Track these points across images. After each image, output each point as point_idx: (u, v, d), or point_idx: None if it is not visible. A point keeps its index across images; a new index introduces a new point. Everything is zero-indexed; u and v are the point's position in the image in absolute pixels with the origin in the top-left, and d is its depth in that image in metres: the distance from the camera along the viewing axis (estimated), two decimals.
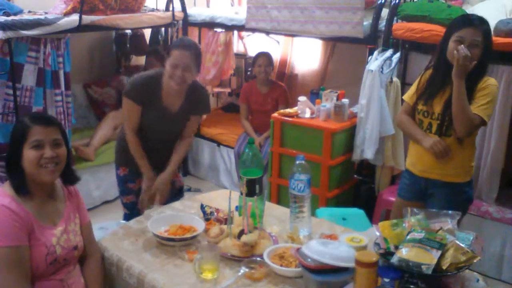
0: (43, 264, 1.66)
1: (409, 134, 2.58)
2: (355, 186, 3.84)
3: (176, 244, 1.88)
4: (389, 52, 3.44)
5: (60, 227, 1.75)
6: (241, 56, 5.56)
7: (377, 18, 3.58)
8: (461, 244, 1.54)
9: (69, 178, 1.86)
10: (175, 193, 2.88)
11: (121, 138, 2.78)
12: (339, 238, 1.85)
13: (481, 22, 2.33)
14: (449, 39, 2.34)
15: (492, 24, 3.10)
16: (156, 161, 2.73)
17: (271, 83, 4.38)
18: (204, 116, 5.05)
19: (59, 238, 1.72)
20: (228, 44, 4.85)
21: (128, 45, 5.11)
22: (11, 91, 3.48)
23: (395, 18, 3.53)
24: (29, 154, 1.68)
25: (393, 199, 3.44)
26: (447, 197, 2.44)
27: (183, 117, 2.71)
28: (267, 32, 4.46)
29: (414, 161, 2.56)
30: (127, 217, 2.73)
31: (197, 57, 2.58)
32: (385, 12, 3.59)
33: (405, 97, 2.62)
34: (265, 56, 4.33)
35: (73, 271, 1.79)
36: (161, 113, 2.63)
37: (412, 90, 2.57)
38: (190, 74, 2.54)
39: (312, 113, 3.68)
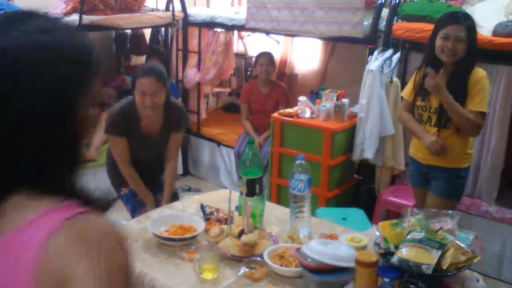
0: None
1: (409, 130, 2.77)
2: (355, 186, 3.84)
3: (176, 244, 1.88)
4: (389, 52, 3.44)
5: None
6: (241, 56, 5.56)
7: (377, 18, 3.58)
8: (461, 244, 1.54)
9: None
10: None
11: (110, 165, 2.85)
12: (339, 238, 1.85)
13: (465, 18, 2.51)
14: (436, 36, 2.52)
15: (492, 24, 3.11)
16: (145, 177, 2.80)
17: (272, 83, 4.38)
18: (204, 116, 5.05)
19: None
20: (228, 44, 4.85)
21: (128, 45, 5.11)
22: None
23: (395, 18, 3.53)
24: None
25: (393, 199, 3.45)
26: (446, 180, 2.63)
27: (166, 138, 2.78)
28: (267, 32, 4.46)
29: (416, 150, 2.72)
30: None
31: (162, 79, 2.63)
32: (385, 12, 3.59)
33: (403, 94, 2.79)
34: (266, 56, 4.33)
35: None
36: (144, 141, 2.71)
37: (409, 87, 2.73)
38: (159, 97, 2.60)
39: (312, 113, 3.68)
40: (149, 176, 2.83)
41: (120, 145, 2.69)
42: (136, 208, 2.83)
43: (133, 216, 2.80)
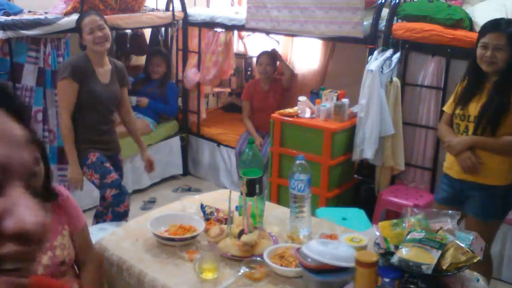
0: None
1: (444, 139, 2.65)
2: (355, 186, 3.84)
3: (176, 244, 1.88)
4: (389, 52, 3.44)
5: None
6: (241, 56, 5.56)
7: (377, 18, 3.58)
8: (461, 244, 1.54)
9: (48, 195, 1.75)
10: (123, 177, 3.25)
11: (78, 132, 2.94)
12: (339, 238, 1.85)
13: (507, 26, 2.39)
14: (477, 45, 2.45)
15: None
16: (106, 143, 3.02)
17: (272, 80, 4.43)
18: (204, 116, 5.05)
19: (41, 258, 1.60)
20: (228, 44, 4.85)
21: (128, 45, 5.11)
22: None
23: (395, 18, 3.53)
24: None
25: (393, 199, 3.45)
26: (482, 199, 2.48)
27: (116, 87, 3.00)
28: (267, 32, 4.46)
29: (450, 164, 2.60)
30: (117, 198, 2.91)
31: (102, 16, 2.93)
32: (385, 12, 3.59)
33: (445, 108, 2.71)
34: (266, 55, 4.36)
35: (64, 280, 1.68)
36: (100, 86, 2.90)
37: (450, 100, 2.67)
38: (106, 30, 2.86)
39: (312, 113, 3.68)
40: (109, 135, 3.04)
41: (70, 91, 2.84)
42: (107, 173, 2.93)
43: (101, 186, 2.92)
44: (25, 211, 0.50)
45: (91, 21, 2.83)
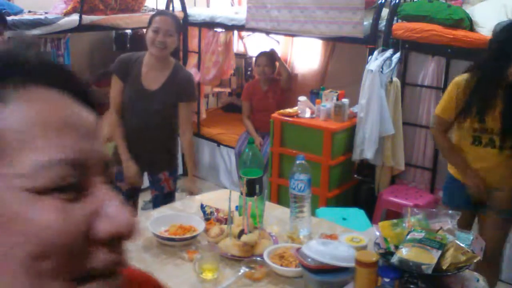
0: None
1: (450, 162, 2.60)
2: (355, 186, 3.84)
3: (176, 244, 1.88)
4: (389, 52, 3.44)
5: None
6: (241, 56, 5.56)
7: (377, 18, 3.58)
8: (461, 244, 1.54)
9: None
10: (162, 198, 2.78)
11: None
12: (339, 238, 1.85)
13: None
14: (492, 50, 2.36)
15: (492, 24, 3.10)
16: (138, 149, 2.66)
17: (271, 80, 4.43)
18: (204, 116, 5.05)
19: None
20: (228, 44, 4.85)
21: (128, 45, 5.11)
22: None
23: (395, 18, 3.53)
24: None
25: (393, 199, 3.45)
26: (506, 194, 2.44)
27: (163, 98, 2.61)
28: (267, 32, 4.46)
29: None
30: None
31: (178, 24, 2.62)
32: (385, 12, 3.59)
33: (440, 112, 2.51)
34: (264, 56, 4.36)
35: None
36: (139, 90, 2.59)
37: (447, 104, 2.47)
38: (172, 39, 2.55)
39: (312, 113, 3.68)
40: (137, 144, 2.66)
41: (116, 88, 2.63)
42: (118, 178, 2.67)
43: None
44: (116, 210, 0.44)
45: (162, 22, 2.53)
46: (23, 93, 0.44)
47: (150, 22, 2.58)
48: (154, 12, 2.72)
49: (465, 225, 2.53)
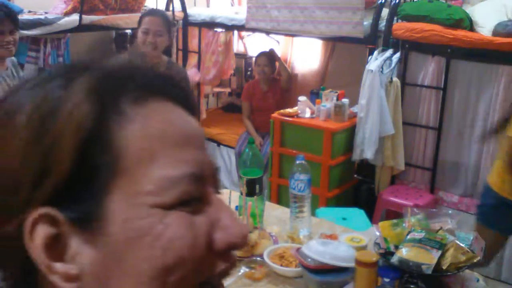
0: None
1: None
2: (355, 186, 3.84)
3: None
4: (389, 52, 3.44)
5: None
6: (241, 56, 5.56)
7: (377, 18, 3.58)
8: (461, 244, 1.54)
9: None
10: None
11: None
12: (339, 238, 1.85)
13: None
14: None
15: (492, 24, 3.11)
16: None
17: (271, 80, 4.43)
18: (204, 116, 5.05)
19: None
20: (228, 44, 4.85)
21: (128, 45, 5.11)
22: None
23: (395, 18, 3.53)
24: None
25: (393, 199, 3.45)
26: None
27: None
28: (267, 32, 4.46)
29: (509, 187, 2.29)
30: None
31: (168, 22, 2.62)
32: (385, 12, 3.59)
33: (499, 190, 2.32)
34: (264, 56, 4.36)
35: None
36: None
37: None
38: (162, 39, 2.56)
39: (312, 113, 3.68)
40: None
41: None
42: None
43: None
44: (231, 221, 0.45)
45: (151, 22, 2.56)
46: (143, 107, 0.43)
47: (140, 23, 2.61)
48: (143, 12, 2.70)
49: (497, 247, 2.41)
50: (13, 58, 2.79)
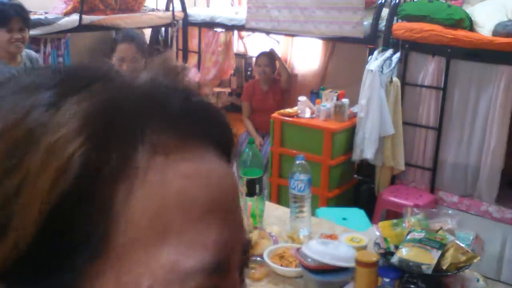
0: None
1: None
2: (355, 186, 3.84)
3: None
4: (389, 52, 3.44)
5: None
6: (241, 56, 5.56)
7: (377, 18, 3.58)
8: (461, 244, 1.54)
9: None
10: None
11: None
12: (339, 238, 1.85)
13: None
14: None
15: (492, 24, 3.11)
16: None
17: (271, 81, 4.43)
18: None
19: None
20: (228, 44, 4.85)
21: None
22: None
23: (395, 18, 3.53)
24: None
25: (393, 199, 3.45)
26: None
27: None
28: (267, 32, 4.46)
29: None
30: None
31: (142, 47, 2.65)
32: (385, 12, 3.59)
33: None
34: (265, 56, 4.36)
35: None
36: None
37: None
38: (138, 65, 2.56)
39: (312, 113, 3.68)
40: None
41: None
42: None
43: None
44: None
45: (126, 49, 2.59)
46: (162, 157, 0.30)
47: (114, 49, 2.62)
48: (117, 37, 2.70)
49: None
50: (30, 51, 2.92)
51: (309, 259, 1.57)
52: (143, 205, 0.29)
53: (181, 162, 0.31)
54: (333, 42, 4.70)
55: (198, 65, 4.86)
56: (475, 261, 1.52)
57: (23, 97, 0.30)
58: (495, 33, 3.04)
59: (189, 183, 0.31)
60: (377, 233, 1.72)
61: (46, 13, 3.81)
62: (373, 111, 3.41)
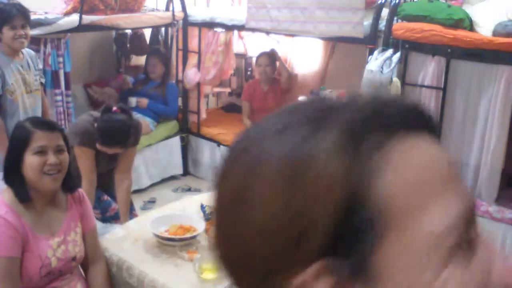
0: (36, 276, 1.62)
1: None
2: None
3: (176, 244, 1.88)
4: (389, 52, 3.44)
5: (58, 238, 1.70)
6: (241, 56, 5.56)
7: (377, 18, 3.58)
8: None
9: (68, 185, 1.79)
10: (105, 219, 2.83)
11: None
12: None
13: None
14: None
15: (492, 24, 3.11)
16: (103, 188, 2.78)
17: (272, 80, 4.43)
18: (204, 116, 5.05)
19: (55, 250, 1.67)
20: (228, 44, 4.85)
21: (128, 45, 5.11)
22: None
23: (395, 18, 3.53)
24: (32, 160, 1.62)
25: None
26: None
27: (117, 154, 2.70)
28: (267, 32, 4.46)
29: None
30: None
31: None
32: (385, 12, 3.59)
33: None
34: (266, 56, 4.36)
35: (70, 277, 1.75)
36: (103, 154, 2.60)
37: None
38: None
39: None
40: (106, 187, 2.81)
41: (90, 159, 2.60)
42: (107, 207, 2.79)
43: (103, 219, 2.73)
44: (505, 263, 0.44)
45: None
46: (394, 150, 0.40)
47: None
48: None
49: None
50: (29, 49, 3.12)
51: None
52: (394, 187, 0.38)
53: (411, 147, 0.40)
54: (333, 42, 4.70)
55: (198, 65, 4.86)
56: None
57: (284, 135, 0.40)
58: (495, 33, 3.04)
59: (425, 160, 0.41)
60: None
61: (46, 13, 3.81)
62: None
